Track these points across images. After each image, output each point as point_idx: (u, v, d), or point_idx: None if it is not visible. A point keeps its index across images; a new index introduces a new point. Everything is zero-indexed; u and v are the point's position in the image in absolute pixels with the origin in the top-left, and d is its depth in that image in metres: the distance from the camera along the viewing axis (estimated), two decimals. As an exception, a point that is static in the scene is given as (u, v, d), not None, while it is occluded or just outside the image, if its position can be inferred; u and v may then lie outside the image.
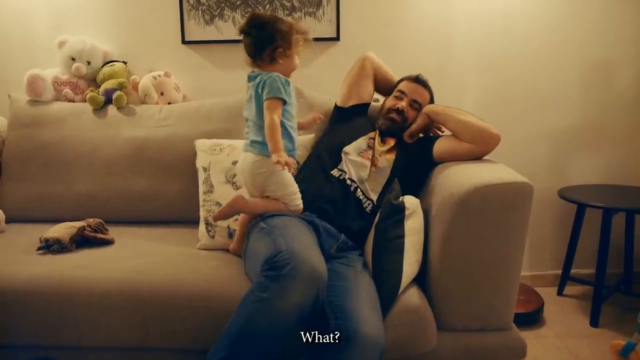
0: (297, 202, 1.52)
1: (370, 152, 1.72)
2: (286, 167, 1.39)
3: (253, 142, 1.49)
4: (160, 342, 1.41)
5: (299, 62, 1.54)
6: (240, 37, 1.51)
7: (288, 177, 1.51)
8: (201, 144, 1.88)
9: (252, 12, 1.49)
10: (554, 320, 2.15)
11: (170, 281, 1.44)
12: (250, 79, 1.51)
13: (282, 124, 1.46)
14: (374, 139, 1.76)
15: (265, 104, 1.43)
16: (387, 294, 1.38)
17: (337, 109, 1.93)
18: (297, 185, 1.54)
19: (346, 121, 1.86)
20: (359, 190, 1.64)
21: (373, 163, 1.69)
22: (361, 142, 1.75)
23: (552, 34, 2.31)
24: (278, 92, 1.42)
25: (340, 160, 1.69)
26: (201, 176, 1.83)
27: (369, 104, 1.95)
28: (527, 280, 2.45)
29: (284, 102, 1.45)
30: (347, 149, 1.72)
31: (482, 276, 1.41)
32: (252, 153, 1.49)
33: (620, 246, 2.34)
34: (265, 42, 1.45)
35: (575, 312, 2.23)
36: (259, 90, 1.45)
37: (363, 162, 1.69)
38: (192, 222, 1.89)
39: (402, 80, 1.90)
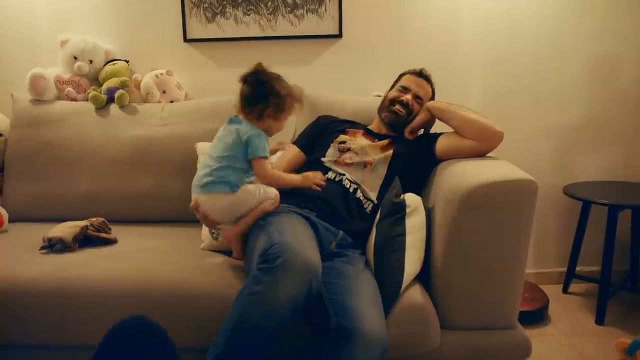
0: (268, 192, 1.49)
1: (349, 154, 1.70)
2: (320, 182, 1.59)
3: (206, 184, 1.45)
4: (163, 341, 1.40)
5: (285, 126, 1.56)
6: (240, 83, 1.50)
7: (243, 188, 1.47)
8: (203, 147, 1.87)
9: (258, 65, 1.49)
10: (559, 318, 2.13)
11: (173, 280, 1.44)
12: (233, 122, 1.50)
13: (240, 168, 1.47)
14: (344, 142, 1.73)
15: (254, 164, 1.46)
16: (389, 292, 1.37)
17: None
18: (251, 183, 1.50)
19: (311, 142, 1.83)
20: (358, 191, 1.63)
21: (365, 163, 1.68)
22: (331, 151, 1.73)
23: (557, 30, 2.29)
24: (264, 151, 1.46)
25: (329, 169, 1.68)
26: (203, 180, 1.82)
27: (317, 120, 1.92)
28: (532, 278, 2.44)
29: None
30: (325, 160, 1.71)
31: (486, 274, 1.40)
32: (206, 195, 1.46)
33: (626, 243, 2.33)
34: (259, 99, 1.46)
35: (581, 309, 2.22)
36: (242, 138, 1.45)
37: (346, 168, 1.67)
38: (195, 221, 1.85)
39: (404, 74, 1.88)
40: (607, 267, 2.08)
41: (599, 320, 2.08)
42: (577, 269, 2.35)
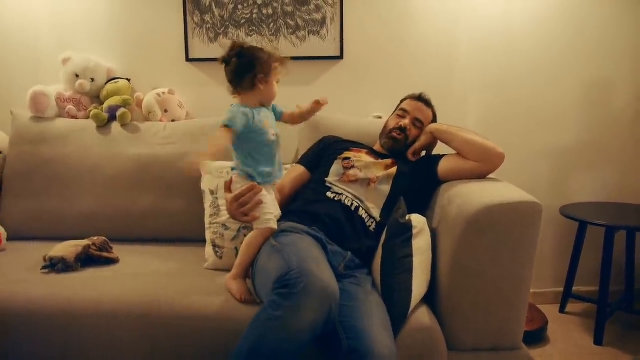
0: (269, 219, 1.50)
1: (353, 170, 1.71)
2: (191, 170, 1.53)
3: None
4: (168, 362, 1.39)
5: (278, 89, 1.56)
6: (222, 66, 1.53)
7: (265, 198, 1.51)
8: (207, 166, 1.87)
9: (233, 42, 1.53)
10: (557, 339, 2.15)
11: (177, 300, 1.43)
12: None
13: (249, 154, 1.50)
14: (349, 158, 1.75)
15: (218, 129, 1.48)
16: (398, 313, 1.37)
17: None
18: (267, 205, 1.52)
19: (317, 161, 1.84)
20: (361, 208, 1.64)
21: (369, 180, 1.69)
22: (335, 168, 1.74)
23: (552, 54, 2.35)
24: (229, 121, 1.44)
25: (329, 188, 1.69)
26: (207, 199, 1.82)
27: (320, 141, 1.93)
28: (530, 298, 2.45)
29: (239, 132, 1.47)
30: (328, 179, 1.72)
31: (492, 295, 1.42)
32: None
33: (621, 264, 2.36)
34: (246, 70, 1.49)
35: (579, 330, 2.23)
36: None
37: (349, 185, 1.68)
38: (197, 240, 1.88)
39: (405, 99, 1.91)
40: (605, 287, 2.10)
41: (598, 341, 2.10)
42: (574, 288, 2.38)
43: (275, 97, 1.57)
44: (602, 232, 2.14)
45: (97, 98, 2.25)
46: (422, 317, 1.40)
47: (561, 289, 2.42)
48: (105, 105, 2.17)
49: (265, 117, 1.52)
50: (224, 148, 1.49)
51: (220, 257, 1.69)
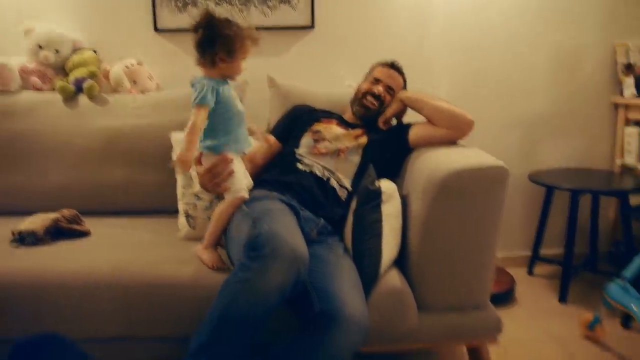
0: (237, 189, 1.50)
1: (323, 143, 1.72)
2: (182, 168, 1.48)
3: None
4: (144, 331, 1.42)
5: (245, 65, 1.52)
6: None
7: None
8: (178, 138, 1.85)
9: (205, 11, 1.48)
10: (525, 299, 2.23)
11: (151, 270, 1.44)
12: (192, 84, 1.51)
13: (213, 127, 1.48)
14: (319, 131, 1.75)
15: (192, 110, 1.45)
16: (368, 277, 1.41)
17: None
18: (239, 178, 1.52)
19: (287, 131, 1.84)
20: (332, 179, 1.66)
21: (338, 151, 1.70)
22: (305, 140, 1.75)
23: (522, 23, 2.37)
24: (201, 99, 1.43)
25: (299, 160, 1.69)
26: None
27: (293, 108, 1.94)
28: (498, 262, 2.52)
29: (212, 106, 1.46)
30: (298, 151, 1.72)
31: (460, 258, 1.46)
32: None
33: (586, 227, 2.44)
34: (207, 46, 1.45)
35: (545, 290, 2.32)
36: None
37: (320, 157, 1.69)
38: (169, 211, 1.87)
39: (376, 65, 1.91)
40: (570, 249, 2.18)
41: (562, 299, 2.19)
42: (541, 251, 2.46)
43: (240, 73, 1.53)
44: (568, 197, 2.20)
45: (62, 69, 2.19)
46: (393, 280, 1.44)
47: (529, 253, 2.50)
48: (71, 77, 2.11)
49: (230, 89, 1.51)
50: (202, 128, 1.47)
51: (194, 228, 1.70)
